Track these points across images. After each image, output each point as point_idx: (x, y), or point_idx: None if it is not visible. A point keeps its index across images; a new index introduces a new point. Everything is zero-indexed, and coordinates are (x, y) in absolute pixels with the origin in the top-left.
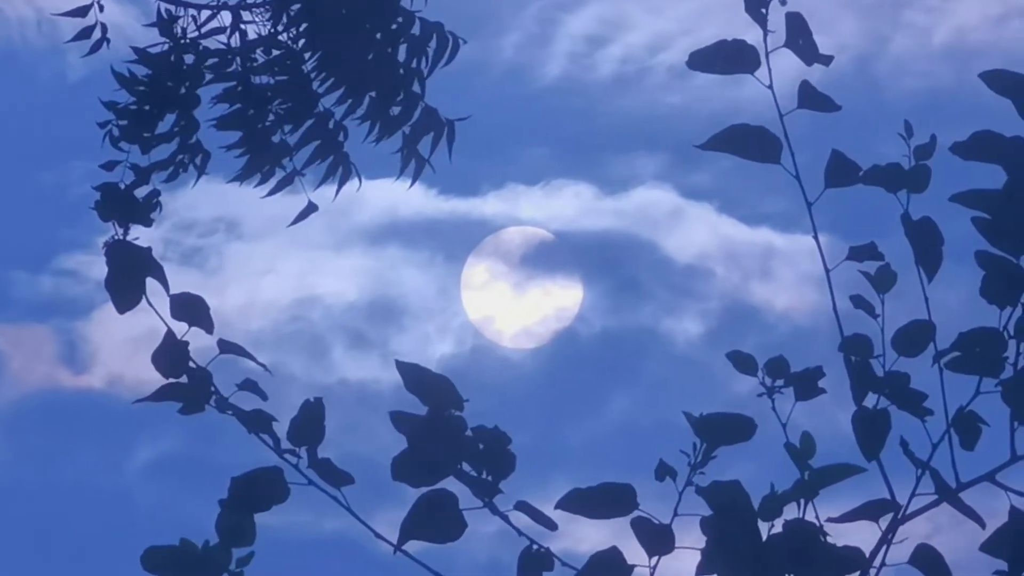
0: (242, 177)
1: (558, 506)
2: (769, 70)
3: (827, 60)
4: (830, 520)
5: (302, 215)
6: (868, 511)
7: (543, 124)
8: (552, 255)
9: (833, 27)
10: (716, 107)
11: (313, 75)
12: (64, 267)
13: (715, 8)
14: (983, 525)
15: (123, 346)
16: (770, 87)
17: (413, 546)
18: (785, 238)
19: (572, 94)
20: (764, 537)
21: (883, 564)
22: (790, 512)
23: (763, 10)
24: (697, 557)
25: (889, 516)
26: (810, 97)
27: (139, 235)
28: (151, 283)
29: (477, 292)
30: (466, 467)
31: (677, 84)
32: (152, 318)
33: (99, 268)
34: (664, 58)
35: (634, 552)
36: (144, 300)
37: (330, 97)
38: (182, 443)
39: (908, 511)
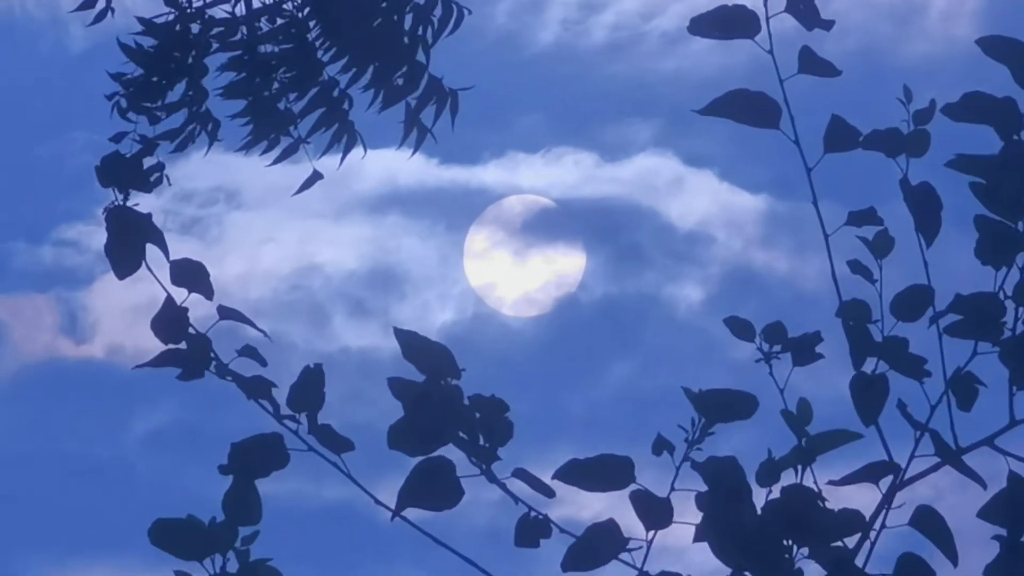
0: (248, 145)
1: (555, 476)
2: (770, 35)
3: (828, 25)
4: (831, 483)
5: (307, 184)
6: (869, 474)
7: (540, 92)
8: (553, 223)
9: None
10: (712, 73)
11: (318, 44)
12: (64, 237)
13: None
14: (984, 486)
15: (123, 316)
16: (770, 52)
17: (413, 513)
18: (786, 204)
19: (567, 61)
20: (762, 503)
21: (883, 527)
22: (788, 478)
23: None
24: (692, 532)
25: (889, 480)
26: (811, 62)
27: (139, 203)
28: (151, 250)
29: (478, 260)
30: (464, 434)
31: (672, 50)
32: (153, 287)
33: (99, 238)
34: (658, 24)
35: (632, 522)
36: (144, 267)
37: (335, 65)
38: (182, 412)
39: (908, 474)
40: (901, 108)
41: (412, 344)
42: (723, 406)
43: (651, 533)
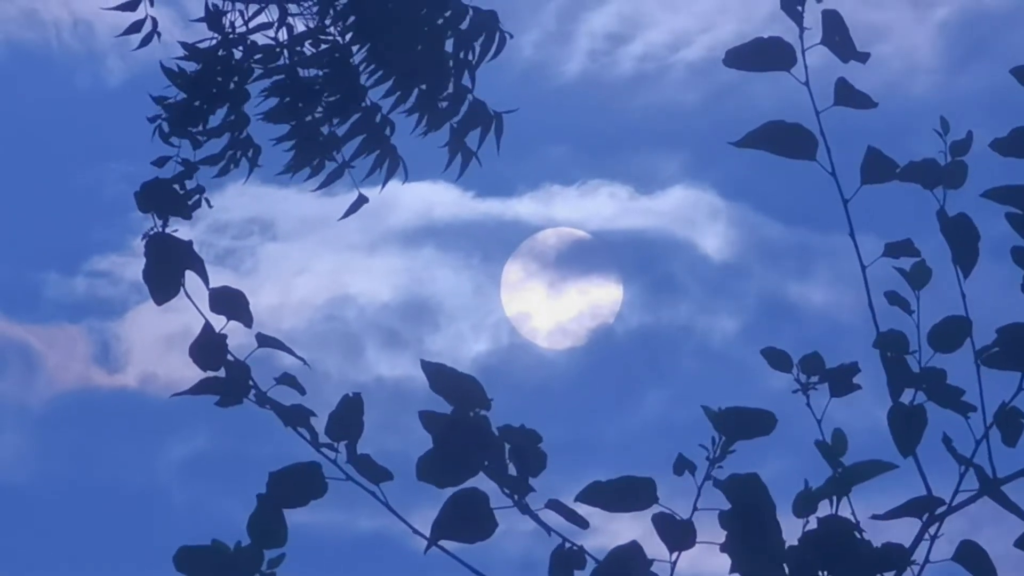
0: (292, 170)
1: (578, 499)
2: (805, 67)
3: (864, 57)
4: (875, 517)
5: (353, 207)
6: (912, 508)
7: (572, 123)
8: (589, 255)
9: (857, 21)
10: (740, 103)
11: (361, 68)
12: (98, 268)
13: (733, 5)
14: None
15: (157, 345)
16: (806, 84)
17: (449, 542)
18: (821, 236)
19: (596, 92)
20: (799, 534)
21: (927, 561)
22: (825, 510)
23: (799, 8)
24: (716, 551)
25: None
26: (847, 94)
27: (177, 230)
28: (190, 278)
29: (513, 292)
30: (494, 465)
31: (700, 80)
32: (185, 317)
33: (132, 269)
34: (685, 55)
35: (659, 546)
36: (183, 293)
37: (377, 91)
38: (215, 441)
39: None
40: (918, 139)
41: (440, 376)
42: (742, 424)
43: (675, 555)
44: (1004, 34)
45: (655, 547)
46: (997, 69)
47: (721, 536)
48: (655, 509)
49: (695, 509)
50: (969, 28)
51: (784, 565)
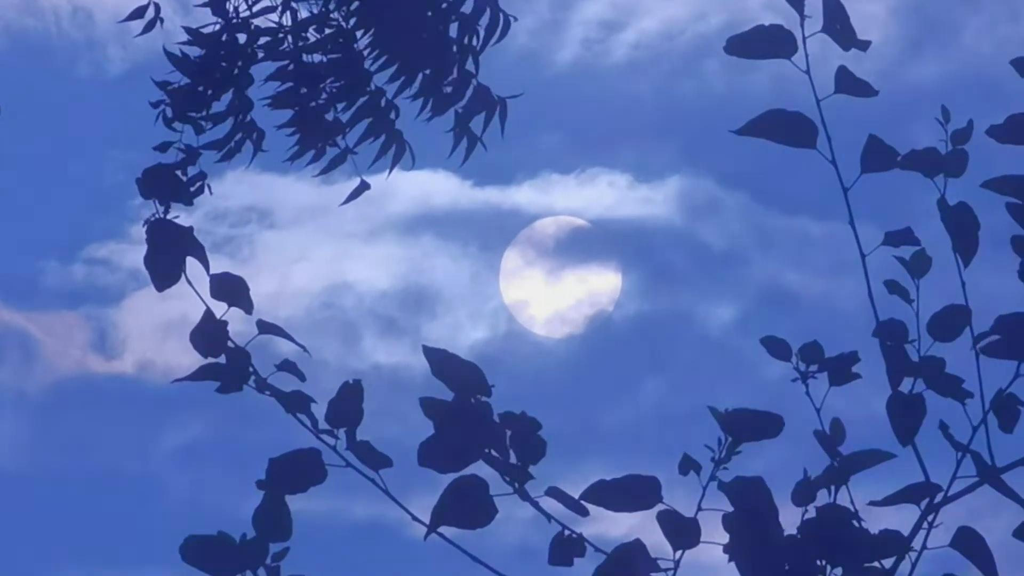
0: (295, 156)
1: (582, 497)
2: (806, 55)
3: (865, 45)
4: (872, 503)
5: (355, 193)
6: (910, 494)
7: (569, 111)
8: (588, 244)
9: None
10: (736, 91)
11: (366, 53)
12: (96, 255)
13: None
14: None
15: (154, 332)
16: (807, 72)
17: (447, 529)
18: (820, 225)
19: (591, 80)
20: (798, 523)
21: (924, 548)
22: (824, 498)
23: None
24: (720, 551)
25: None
26: (847, 82)
27: (178, 216)
28: (190, 264)
29: (512, 280)
30: (495, 452)
31: (696, 68)
32: (182, 304)
33: (131, 256)
34: (679, 43)
35: (661, 540)
36: (184, 279)
37: (382, 75)
38: (213, 428)
39: (948, 494)
40: (918, 127)
41: (442, 362)
42: (749, 426)
43: (679, 552)
44: (1005, 20)
45: (653, 536)
46: (996, 55)
47: (724, 536)
48: (660, 507)
49: (699, 509)
50: (968, 14)
51: (786, 566)
